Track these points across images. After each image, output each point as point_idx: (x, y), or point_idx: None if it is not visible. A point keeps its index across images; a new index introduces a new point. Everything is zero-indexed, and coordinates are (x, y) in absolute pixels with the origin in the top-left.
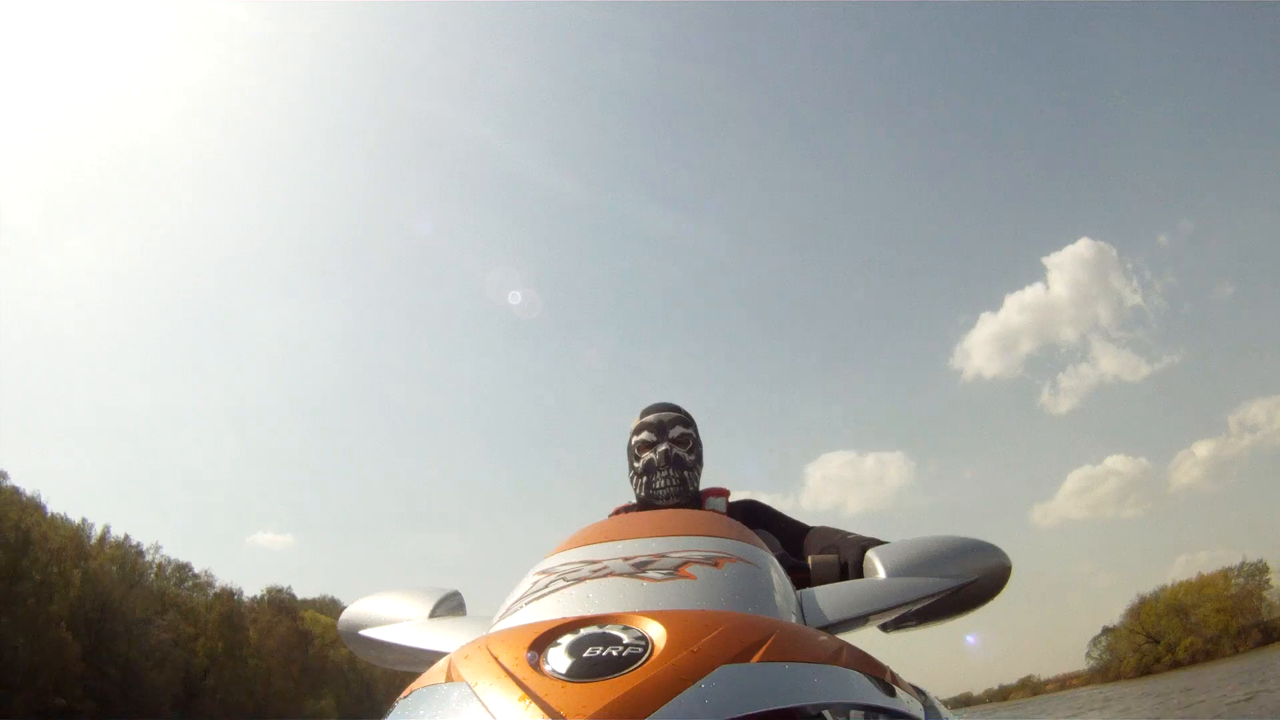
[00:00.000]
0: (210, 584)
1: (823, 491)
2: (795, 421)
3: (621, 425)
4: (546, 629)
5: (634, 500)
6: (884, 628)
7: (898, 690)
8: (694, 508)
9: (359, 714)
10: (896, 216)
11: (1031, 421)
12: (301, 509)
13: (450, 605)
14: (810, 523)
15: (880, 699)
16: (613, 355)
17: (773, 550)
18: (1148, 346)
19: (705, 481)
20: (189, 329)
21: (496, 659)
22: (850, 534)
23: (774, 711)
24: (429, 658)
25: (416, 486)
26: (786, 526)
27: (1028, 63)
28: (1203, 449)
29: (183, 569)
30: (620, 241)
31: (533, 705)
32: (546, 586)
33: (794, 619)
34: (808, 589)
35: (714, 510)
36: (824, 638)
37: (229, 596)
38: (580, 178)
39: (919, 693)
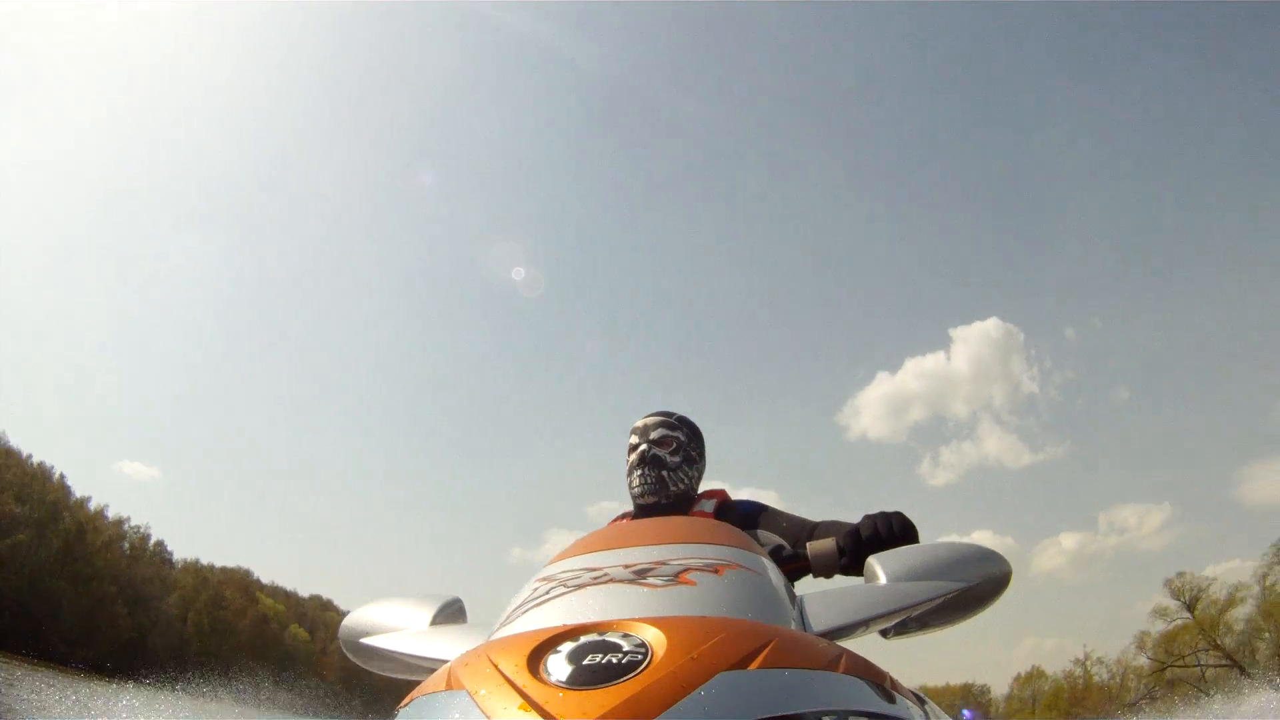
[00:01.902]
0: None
1: None
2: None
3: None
4: (546, 636)
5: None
6: (884, 633)
7: (898, 697)
8: (677, 508)
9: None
10: (813, 262)
11: (907, 488)
12: (178, 444)
13: (451, 613)
14: (816, 519)
15: (880, 705)
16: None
17: (770, 547)
18: (1034, 435)
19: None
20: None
21: (496, 667)
22: (851, 523)
23: (774, 718)
24: (430, 665)
25: (314, 445)
26: (790, 524)
27: (971, 143)
28: (1069, 540)
29: (160, 545)
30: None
31: (533, 713)
32: (547, 594)
33: (794, 625)
34: (809, 594)
35: (702, 511)
36: (824, 644)
37: (197, 570)
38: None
39: (919, 699)
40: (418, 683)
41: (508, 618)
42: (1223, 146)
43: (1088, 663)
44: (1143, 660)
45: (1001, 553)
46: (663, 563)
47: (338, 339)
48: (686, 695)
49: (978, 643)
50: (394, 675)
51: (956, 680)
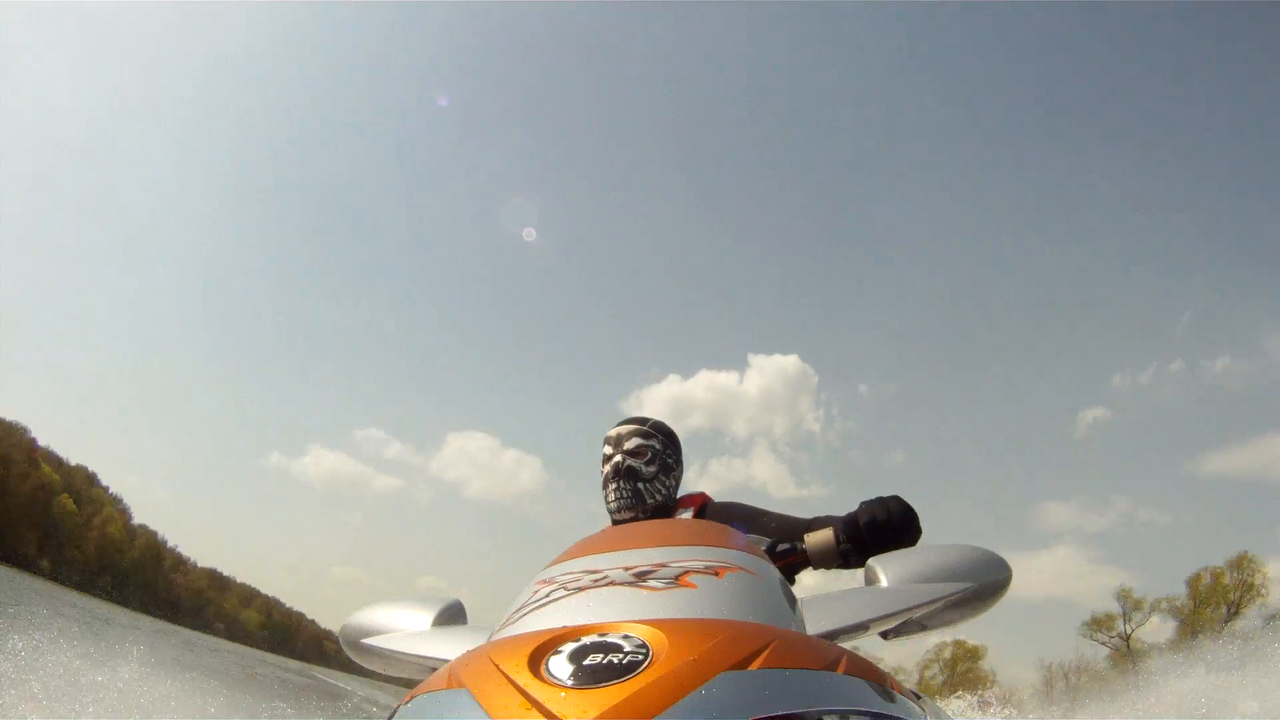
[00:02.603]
0: None
1: (453, 463)
2: (452, 390)
3: None
4: (547, 637)
5: None
6: (885, 635)
7: (898, 697)
8: (661, 516)
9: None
10: (645, 256)
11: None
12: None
13: (451, 615)
14: (805, 516)
15: (881, 705)
16: None
17: (763, 546)
18: (804, 471)
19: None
20: None
21: (498, 666)
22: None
23: (774, 718)
24: (431, 666)
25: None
26: (781, 523)
27: (826, 197)
28: (808, 579)
29: None
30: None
31: (534, 711)
32: (547, 596)
33: (795, 627)
34: (810, 596)
35: (682, 515)
36: (824, 644)
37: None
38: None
39: (918, 699)
40: (419, 683)
41: (508, 620)
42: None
43: None
44: None
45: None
46: (663, 565)
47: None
48: (687, 694)
49: None
50: (396, 675)
51: None
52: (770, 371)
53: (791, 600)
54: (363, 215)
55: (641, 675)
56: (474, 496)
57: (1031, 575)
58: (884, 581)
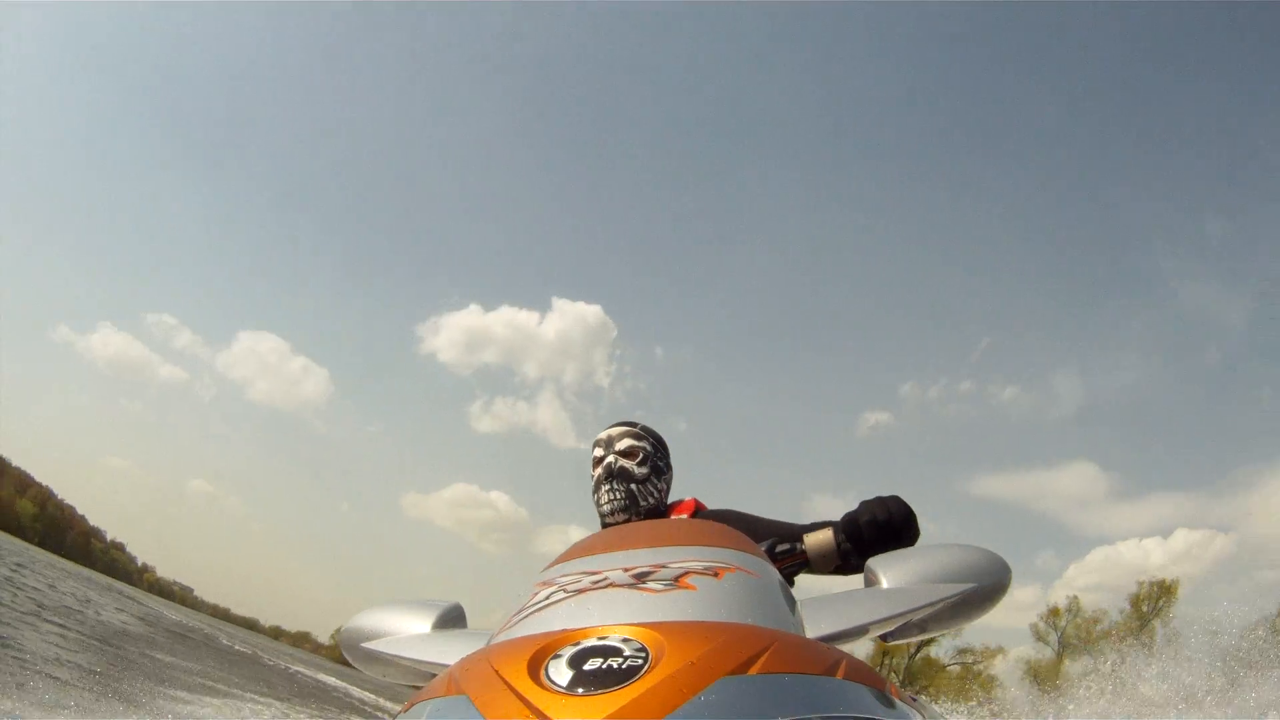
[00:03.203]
0: None
1: (240, 361)
2: (251, 286)
3: None
4: (547, 641)
5: None
6: (885, 638)
7: (897, 702)
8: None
9: None
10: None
11: (454, 421)
12: None
13: (451, 618)
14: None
15: (880, 711)
16: None
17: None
18: (585, 423)
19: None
20: None
21: (497, 672)
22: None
23: None
24: (431, 670)
25: None
26: (777, 529)
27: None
28: (576, 533)
29: None
30: None
31: (534, 718)
32: (547, 598)
33: (794, 629)
34: (809, 598)
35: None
36: (824, 649)
37: None
38: None
39: (918, 705)
40: (419, 688)
41: (508, 623)
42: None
43: None
44: None
45: (1000, 555)
46: (662, 566)
47: None
48: (687, 701)
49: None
50: (395, 680)
51: None
52: (571, 317)
53: (791, 602)
54: (183, 92)
55: (641, 681)
56: (257, 399)
57: None
58: (884, 583)
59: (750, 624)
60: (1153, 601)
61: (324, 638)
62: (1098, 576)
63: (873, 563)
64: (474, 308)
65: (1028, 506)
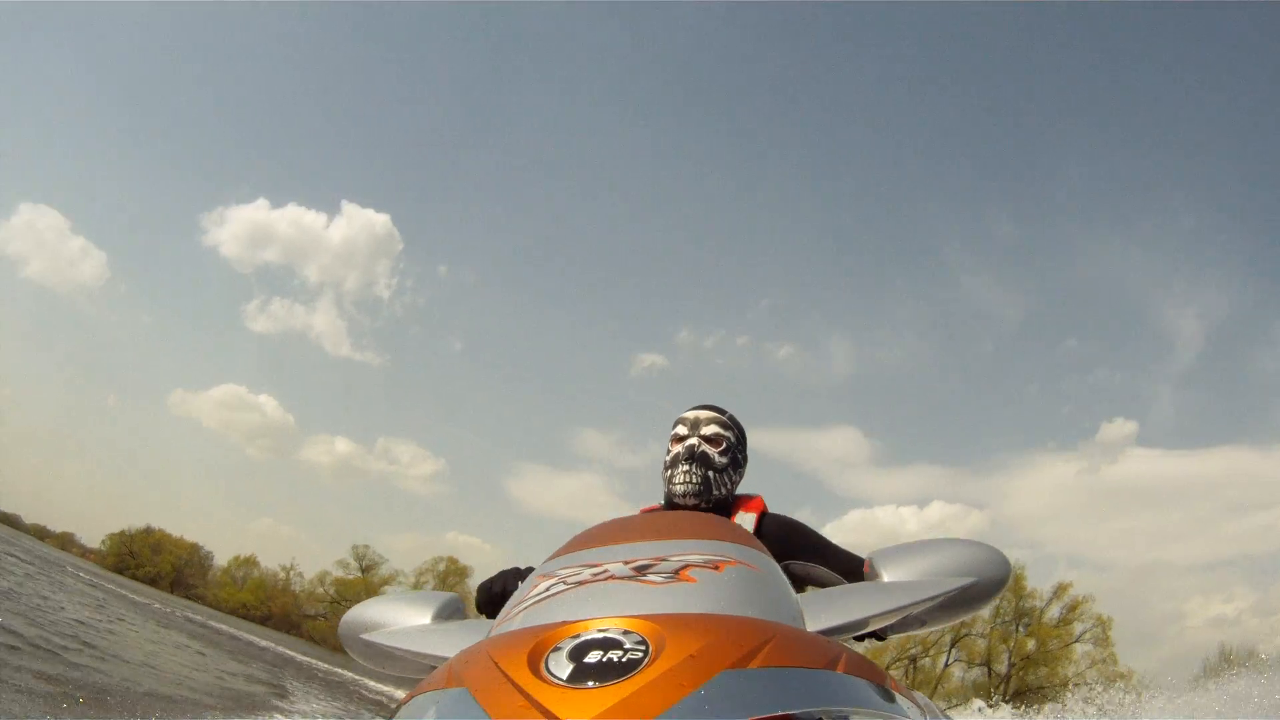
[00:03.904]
0: None
1: (17, 235)
2: (36, 153)
3: None
4: (546, 634)
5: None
6: (885, 631)
7: (897, 696)
8: (720, 512)
9: None
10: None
11: (229, 318)
12: None
13: (451, 610)
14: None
15: (879, 705)
16: None
17: (820, 580)
18: (362, 334)
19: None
20: None
21: (497, 664)
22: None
23: (773, 717)
24: (431, 663)
25: None
26: (842, 561)
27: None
28: (344, 445)
29: None
30: None
31: (534, 711)
32: (547, 590)
33: (795, 623)
34: (809, 592)
35: (741, 521)
36: (824, 642)
37: None
38: None
39: (918, 700)
40: (418, 680)
41: (508, 614)
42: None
43: (290, 569)
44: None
45: (996, 547)
46: (663, 559)
47: None
48: (688, 694)
49: (217, 510)
50: (395, 672)
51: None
52: (359, 224)
53: (791, 596)
54: None
55: (641, 674)
56: (30, 277)
57: (552, 491)
58: (884, 577)
59: (751, 617)
60: None
61: (91, 540)
62: (853, 537)
63: (873, 556)
64: (261, 202)
65: (792, 462)
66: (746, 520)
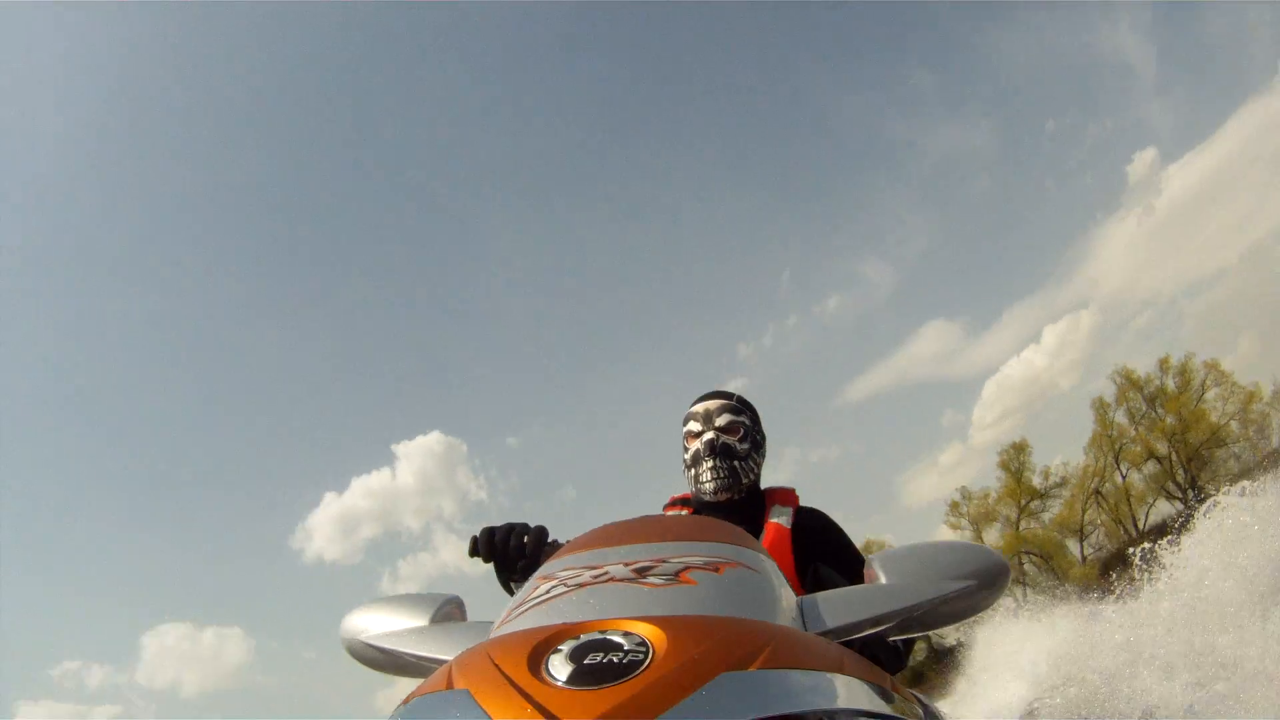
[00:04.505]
0: None
1: (160, 666)
2: (129, 582)
3: None
4: (546, 635)
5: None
6: (884, 634)
7: (897, 698)
8: (753, 503)
9: None
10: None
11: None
12: None
13: (450, 611)
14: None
15: (880, 706)
16: None
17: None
18: None
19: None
20: None
21: (497, 666)
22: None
23: (774, 718)
24: (430, 664)
25: None
26: (848, 557)
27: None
28: None
29: None
30: None
31: (534, 712)
32: (547, 592)
33: (794, 625)
34: (810, 595)
35: (778, 524)
36: (824, 644)
37: None
38: None
39: (919, 701)
40: (417, 682)
41: (508, 616)
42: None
43: None
44: None
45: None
46: (663, 560)
47: None
48: (688, 695)
49: None
50: (394, 674)
51: None
52: (418, 455)
53: (791, 598)
54: None
55: (642, 675)
56: (197, 693)
57: None
58: (883, 579)
59: (751, 619)
60: (1016, 459)
61: None
62: (1000, 406)
63: (873, 559)
64: (329, 496)
65: (906, 384)
66: (783, 514)
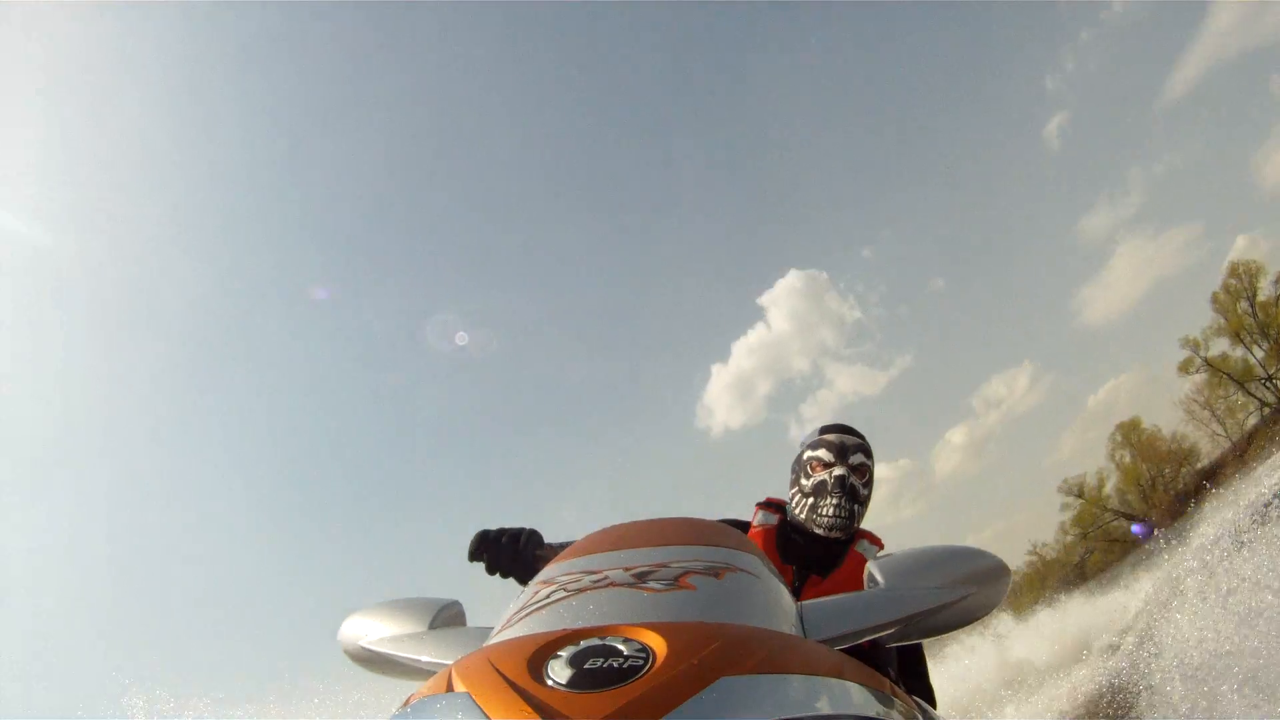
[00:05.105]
0: None
1: None
2: (559, 513)
3: None
4: (547, 640)
5: (788, 515)
6: (883, 640)
7: (898, 703)
8: (844, 546)
9: None
10: (603, 298)
11: (788, 458)
12: None
13: (450, 616)
14: None
15: (880, 712)
16: None
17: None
18: (878, 356)
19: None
20: None
21: (497, 670)
22: None
23: None
24: (429, 669)
25: None
26: None
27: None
28: (957, 435)
29: None
30: None
31: (534, 716)
32: (547, 597)
33: (794, 631)
34: (809, 600)
35: (864, 551)
36: (824, 650)
37: None
38: None
39: (919, 706)
40: (417, 686)
41: (507, 621)
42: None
43: (1038, 550)
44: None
45: (990, 550)
46: (663, 565)
47: None
48: (688, 700)
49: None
50: (394, 678)
51: None
52: (783, 299)
53: (791, 604)
54: None
55: (641, 680)
56: None
57: None
58: (883, 585)
59: (751, 625)
60: None
61: None
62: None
63: (872, 565)
64: (716, 368)
65: (1153, 281)
66: (869, 550)
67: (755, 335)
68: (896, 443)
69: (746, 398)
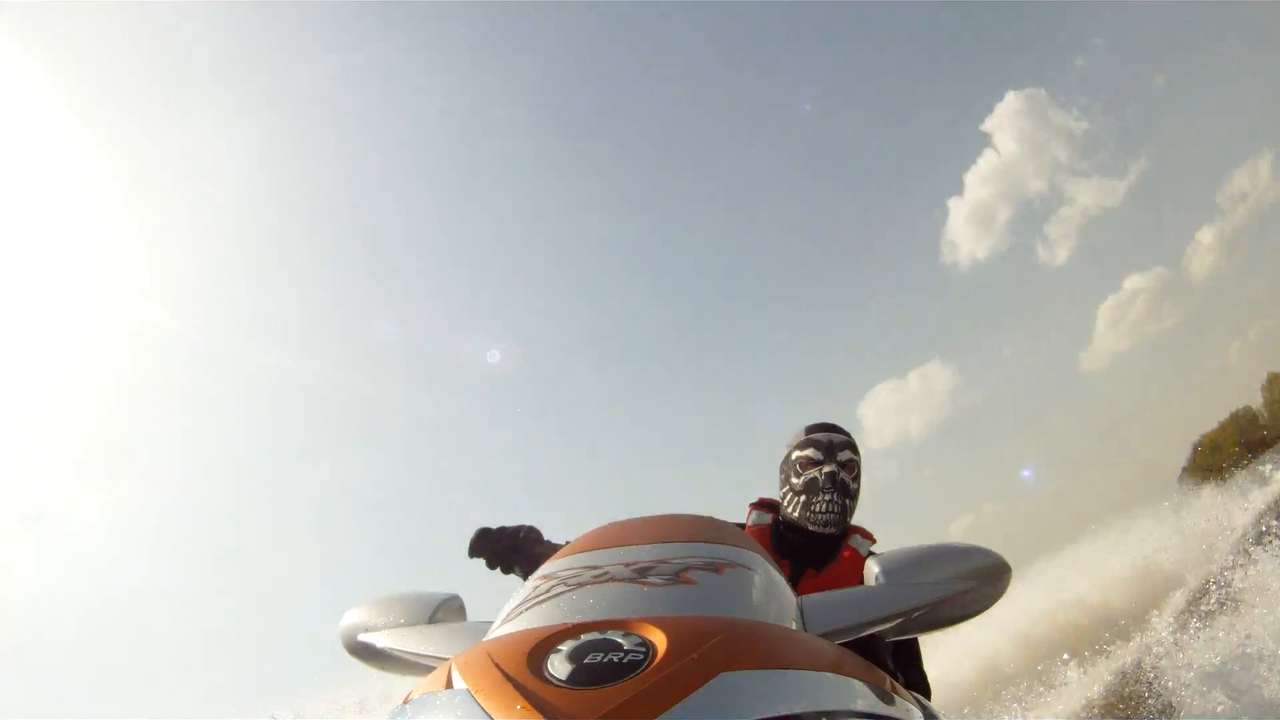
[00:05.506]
0: None
1: (884, 425)
2: (825, 372)
3: None
4: (547, 635)
5: (781, 514)
6: (883, 635)
7: (897, 699)
8: (837, 542)
9: None
10: (825, 156)
11: (1040, 280)
12: None
13: (450, 610)
14: None
15: (880, 707)
16: None
17: None
18: (1113, 165)
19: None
20: None
21: (497, 665)
22: None
23: (773, 718)
24: (429, 663)
25: None
26: None
27: None
28: (1206, 235)
29: None
30: None
31: (533, 711)
32: (547, 592)
33: (794, 626)
34: (810, 595)
35: (857, 546)
36: (824, 645)
37: None
38: None
39: (918, 702)
40: (416, 680)
41: (508, 616)
42: None
43: None
44: None
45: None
46: (664, 561)
47: None
48: (688, 695)
49: (1199, 368)
50: (394, 672)
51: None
52: (1006, 122)
53: (791, 598)
54: None
55: (642, 675)
56: (921, 432)
57: None
58: (883, 580)
59: (751, 620)
60: None
61: None
62: None
63: (872, 561)
64: (952, 202)
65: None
66: (862, 545)
67: (986, 163)
68: (1145, 251)
69: (987, 226)
